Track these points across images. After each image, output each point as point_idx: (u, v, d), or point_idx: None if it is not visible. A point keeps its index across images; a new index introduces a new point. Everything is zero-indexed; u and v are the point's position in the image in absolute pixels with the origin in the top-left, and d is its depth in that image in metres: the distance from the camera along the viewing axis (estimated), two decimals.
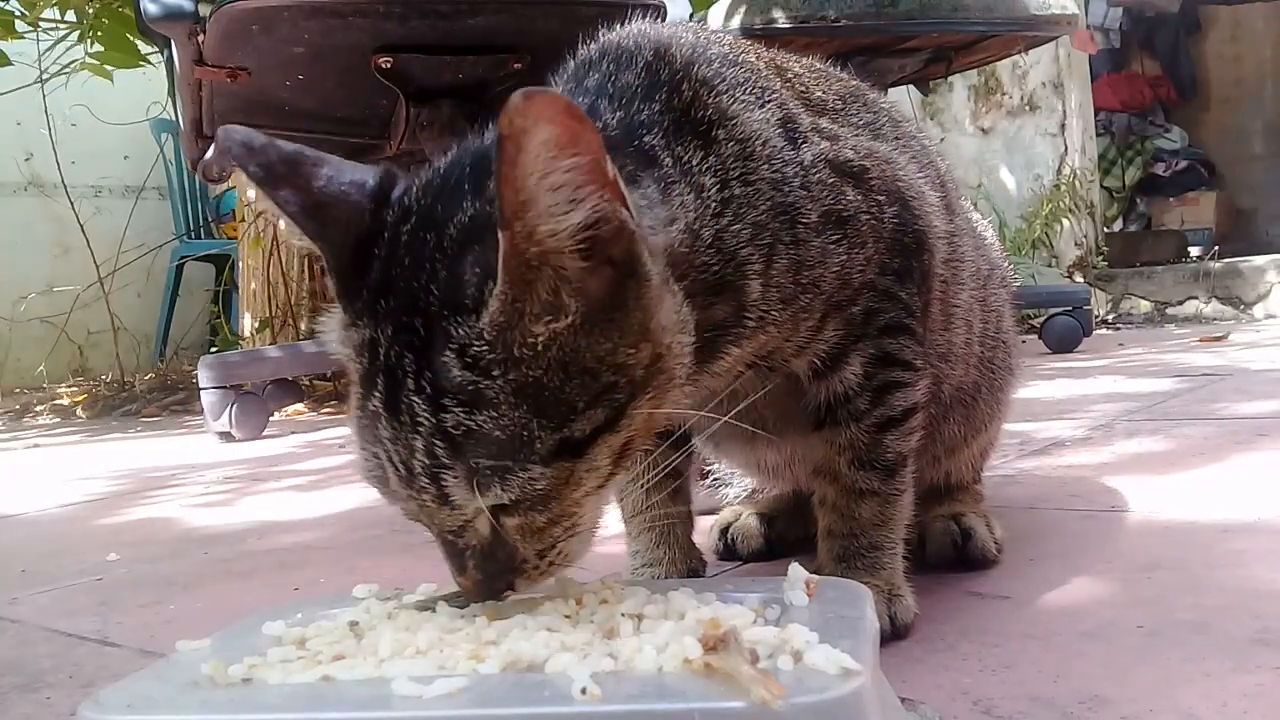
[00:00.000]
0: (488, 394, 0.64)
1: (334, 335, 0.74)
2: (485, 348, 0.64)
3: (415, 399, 0.65)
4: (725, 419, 0.83)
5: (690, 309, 0.74)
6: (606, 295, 0.66)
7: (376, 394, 0.67)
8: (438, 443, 0.65)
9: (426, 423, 0.65)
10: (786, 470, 1.08)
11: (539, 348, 0.64)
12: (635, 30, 0.87)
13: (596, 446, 0.67)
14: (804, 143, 0.86)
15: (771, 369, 0.89)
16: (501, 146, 0.59)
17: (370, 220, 0.71)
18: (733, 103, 0.83)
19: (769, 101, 0.86)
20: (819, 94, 0.95)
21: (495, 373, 0.64)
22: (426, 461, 0.65)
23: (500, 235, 0.62)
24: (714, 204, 0.78)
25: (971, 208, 1.23)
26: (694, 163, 0.79)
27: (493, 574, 0.70)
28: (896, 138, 1.01)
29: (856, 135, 0.94)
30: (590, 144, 0.62)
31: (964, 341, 1.06)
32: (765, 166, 0.82)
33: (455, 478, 0.65)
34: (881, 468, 0.91)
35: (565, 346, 0.65)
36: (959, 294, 1.03)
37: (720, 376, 0.84)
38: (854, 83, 1.05)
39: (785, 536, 1.21)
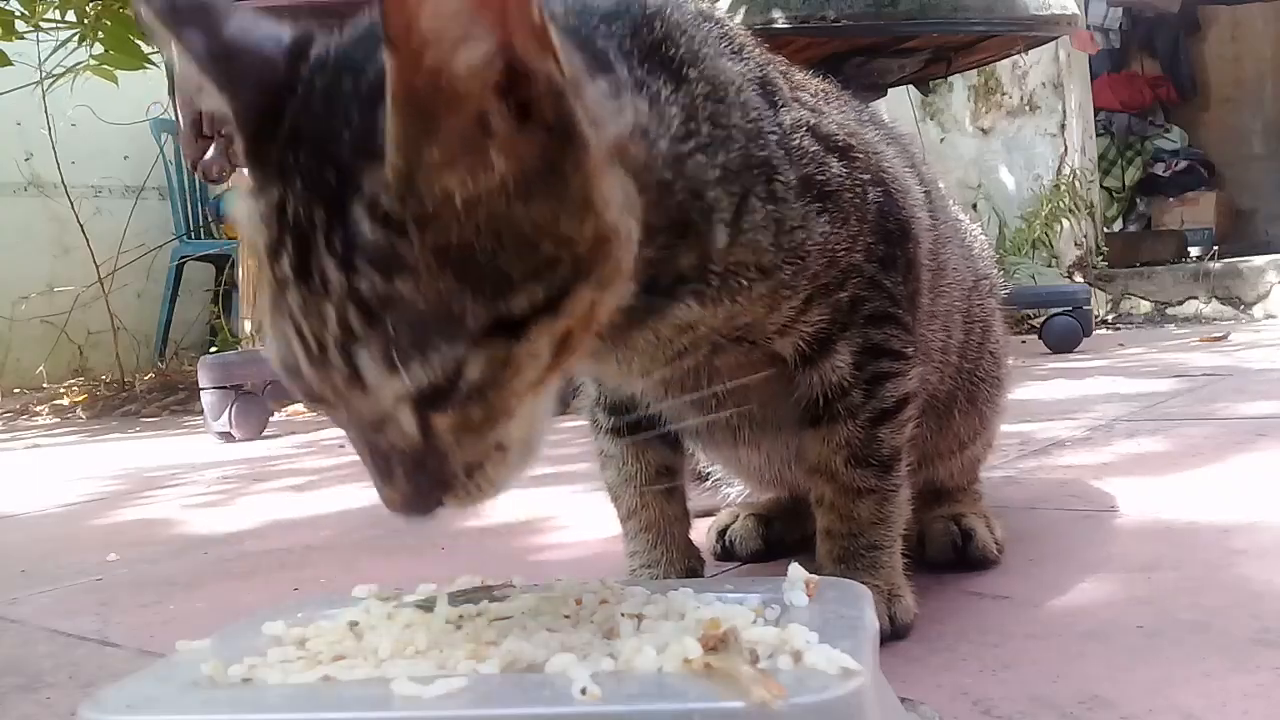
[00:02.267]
0: (405, 256, 0.57)
1: (241, 208, 0.65)
2: (395, 201, 0.57)
3: (326, 259, 0.58)
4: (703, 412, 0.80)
5: (647, 244, 0.70)
6: (542, 159, 0.60)
7: (286, 258, 0.60)
8: (351, 309, 0.57)
9: (338, 286, 0.57)
10: (773, 473, 1.07)
11: (458, 205, 0.57)
12: None
13: (538, 329, 0.61)
14: (783, 106, 0.83)
15: (754, 344, 0.86)
16: None
17: (285, 73, 0.64)
18: (705, 48, 0.79)
19: (747, 59, 0.83)
20: (799, 77, 0.93)
21: (411, 230, 0.57)
22: (337, 332, 0.58)
23: (387, 60, 0.55)
24: (676, 129, 0.74)
25: (962, 215, 1.23)
26: (661, 93, 0.74)
27: (423, 485, 0.62)
28: (879, 135, 1.00)
29: (841, 114, 0.91)
30: None
31: (940, 348, 1.04)
32: (738, 113, 0.78)
33: (369, 352, 0.58)
34: (878, 463, 0.91)
35: (495, 210, 0.58)
36: (940, 298, 1.02)
37: (684, 333, 0.81)
38: (834, 89, 1.03)
39: (783, 538, 1.21)
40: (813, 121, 0.85)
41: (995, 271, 1.25)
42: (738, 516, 1.24)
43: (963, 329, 1.10)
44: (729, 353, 0.87)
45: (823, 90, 0.97)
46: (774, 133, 0.81)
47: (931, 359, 1.02)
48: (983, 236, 1.27)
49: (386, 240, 0.57)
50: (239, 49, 0.65)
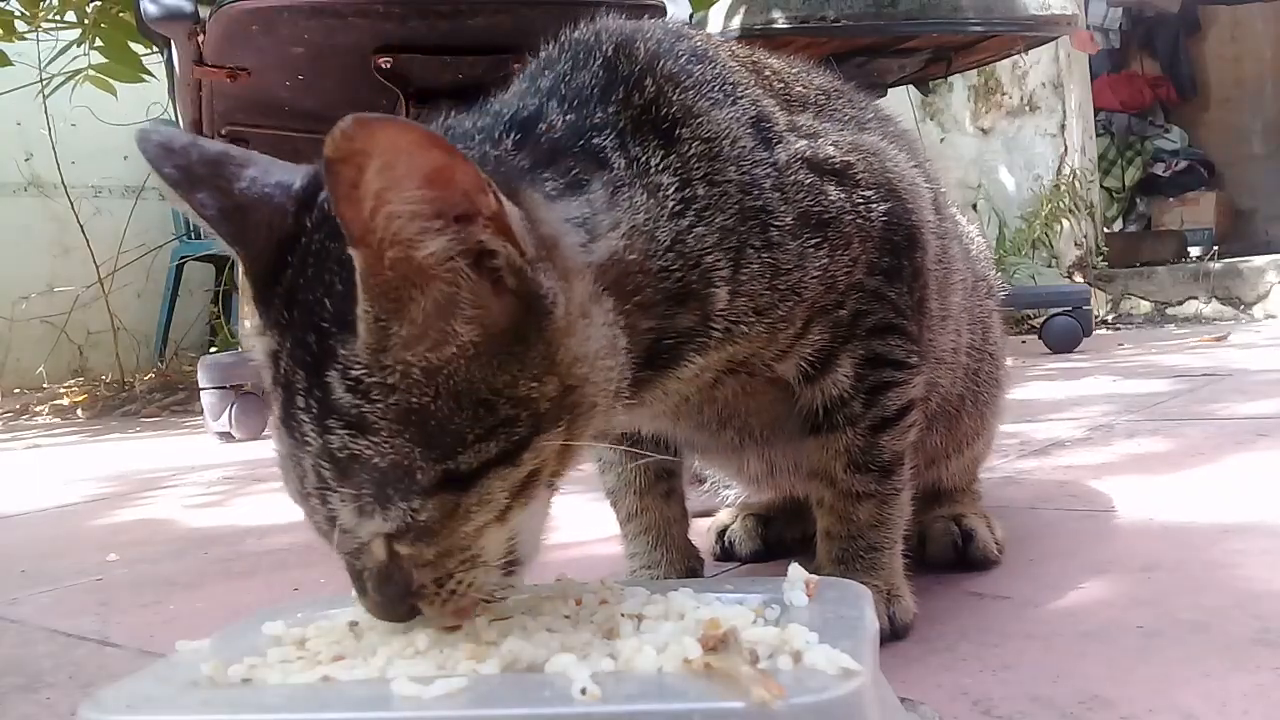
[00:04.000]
0: (370, 418, 0.62)
1: (251, 336, 0.71)
2: (364, 370, 0.62)
3: (304, 418, 0.63)
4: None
5: (644, 317, 0.73)
6: (509, 325, 0.64)
7: (279, 408, 0.66)
8: (324, 465, 0.63)
9: (314, 444, 0.63)
10: (773, 478, 1.07)
11: (417, 374, 0.62)
12: (600, 25, 0.84)
13: (488, 480, 0.64)
14: (778, 143, 0.84)
15: (752, 374, 0.87)
16: (331, 171, 0.55)
17: (292, 223, 0.68)
18: (699, 99, 0.80)
19: (740, 98, 0.83)
20: (799, 89, 0.93)
21: (376, 396, 0.62)
22: (315, 482, 0.64)
23: (353, 255, 0.59)
24: (673, 204, 0.76)
25: (959, 215, 1.23)
26: (652, 163, 0.76)
27: (392, 597, 0.67)
28: (884, 134, 0.99)
29: (840, 130, 0.91)
30: (446, 171, 0.59)
31: (951, 349, 1.04)
32: (733, 168, 0.79)
33: (343, 501, 0.63)
34: (878, 469, 0.90)
35: (456, 375, 0.62)
36: (950, 297, 1.02)
37: (689, 382, 0.82)
38: (837, 81, 1.03)
39: (783, 538, 1.21)
40: (808, 153, 0.85)
41: (992, 273, 1.25)
42: (737, 517, 1.24)
43: (969, 330, 1.10)
44: (728, 384, 0.87)
45: (826, 94, 0.96)
46: (769, 177, 0.81)
47: (944, 361, 1.02)
48: (980, 238, 1.26)
49: (355, 405, 0.62)
50: (250, 203, 0.69)
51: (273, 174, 0.70)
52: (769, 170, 0.81)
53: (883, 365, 0.89)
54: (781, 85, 0.91)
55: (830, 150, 0.87)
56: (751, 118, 0.83)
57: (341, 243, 0.61)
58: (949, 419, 1.11)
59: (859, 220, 0.85)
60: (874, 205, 0.87)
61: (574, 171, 0.73)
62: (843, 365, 0.88)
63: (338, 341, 0.62)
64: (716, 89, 0.82)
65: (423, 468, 0.62)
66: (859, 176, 0.87)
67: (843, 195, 0.85)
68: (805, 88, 0.94)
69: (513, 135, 0.75)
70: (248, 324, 4.41)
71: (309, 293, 0.64)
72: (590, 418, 0.69)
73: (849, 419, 0.89)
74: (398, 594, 0.67)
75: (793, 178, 0.82)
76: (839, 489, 0.91)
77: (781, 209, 0.81)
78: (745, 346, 0.83)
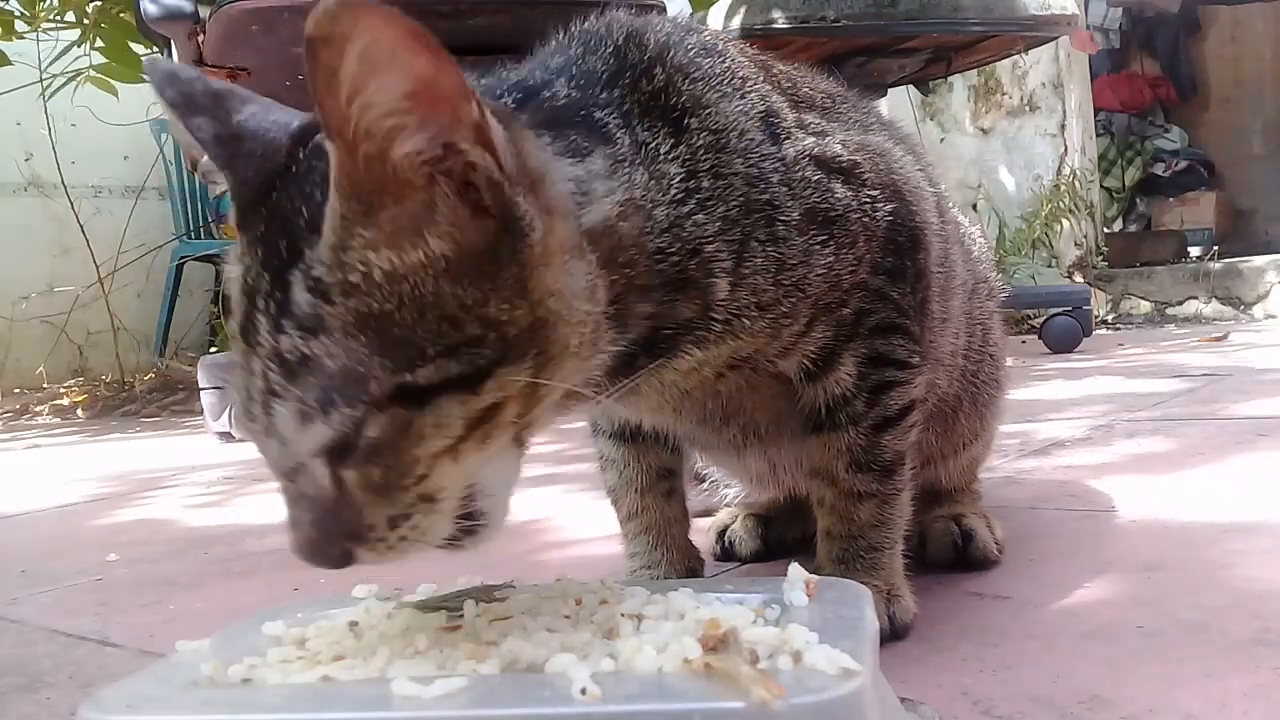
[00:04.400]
0: (326, 320, 0.61)
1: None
2: (325, 269, 0.61)
3: (261, 319, 0.63)
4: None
5: (643, 300, 0.74)
6: (483, 244, 0.63)
7: (237, 319, 0.65)
8: (272, 367, 0.62)
9: (266, 344, 0.62)
10: (775, 476, 1.07)
11: (380, 278, 0.61)
12: (611, 17, 0.84)
13: (446, 402, 0.63)
14: (787, 138, 0.84)
15: (755, 370, 0.87)
16: (311, 53, 0.55)
17: (285, 157, 0.67)
18: (708, 91, 0.80)
19: (749, 93, 0.83)
20: (806, 90, 0.93)
21: (335, 298, 0.61)
22: (261, 386, 0.62)
23: (329, 148, 0.59)
24: (675, 190, 0.76)
25: (961, 217, 1.23)
26: (661, 150, 0.76)
27: (330, 534, 0.65)
28: (888, 138, 1.00)
29: (847, 130, 0.92)
30: (425, 67, 0.58)
31: (950, 351, 1.05)
32: (740, 160, 0.79)
33: (284, 406, 0.62)
34: (879, 469, 0.90)
35: (422, 286, 0.61)
36: (950, 300, 1.02)
37: (688, 375, 0.82)
38: (840, 87, 1.03)
39: (783, 538, 1.21)
40: (816, 150, 0.85)
41: (993, 275, 1.25)
42: (737, 516, 1.24)
43: (967, 332, 1.10)
44: (732, 379, 0.87)
45: (831, 98, 0.96)
46: (776, 171, 0.81)
47: (942, 363, 1.02)
48: (981, 239, 1.27)
49: (313, 305, 0.61)
50: (246, 134, 0.69)
51: (273, 113, 0.71)
52: (777, 165, 0.82)
53: (885, 365, 0.89)
54: (789, 85, 0.92)
55: (838, 149, 0.87)
56: (760, 112, 0.83)
57: (327, 161, 0.61)
58: (944, 420, 1.11)
59: (864, 219, 0.85)
60: (879, 205, 0.87)
61: (574, 139, 0.72)
62: (845, 364, 0.88)
63: (306, 244, 0.62)
64: (725, 82, 0.82)
65: (377, 377, 0.61)
66: (865, 176, 0.87)
67: (850, 194, 0.85)
68: (811, 90, 0.95)
69: (514, 95, 0.75)
70: None
71: (288, 205, 0.64)
72: (560, 364, 0.68)
73: (851, 418, 0.89)
74: (338, 531, 0.64)
75: (800, 174, 0.83)
76: (840, 488, 0.91)
77: (789, 204, 0.81)
78: (747, 342, 0.83)
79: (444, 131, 0.61)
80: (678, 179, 0.76)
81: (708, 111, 0.79)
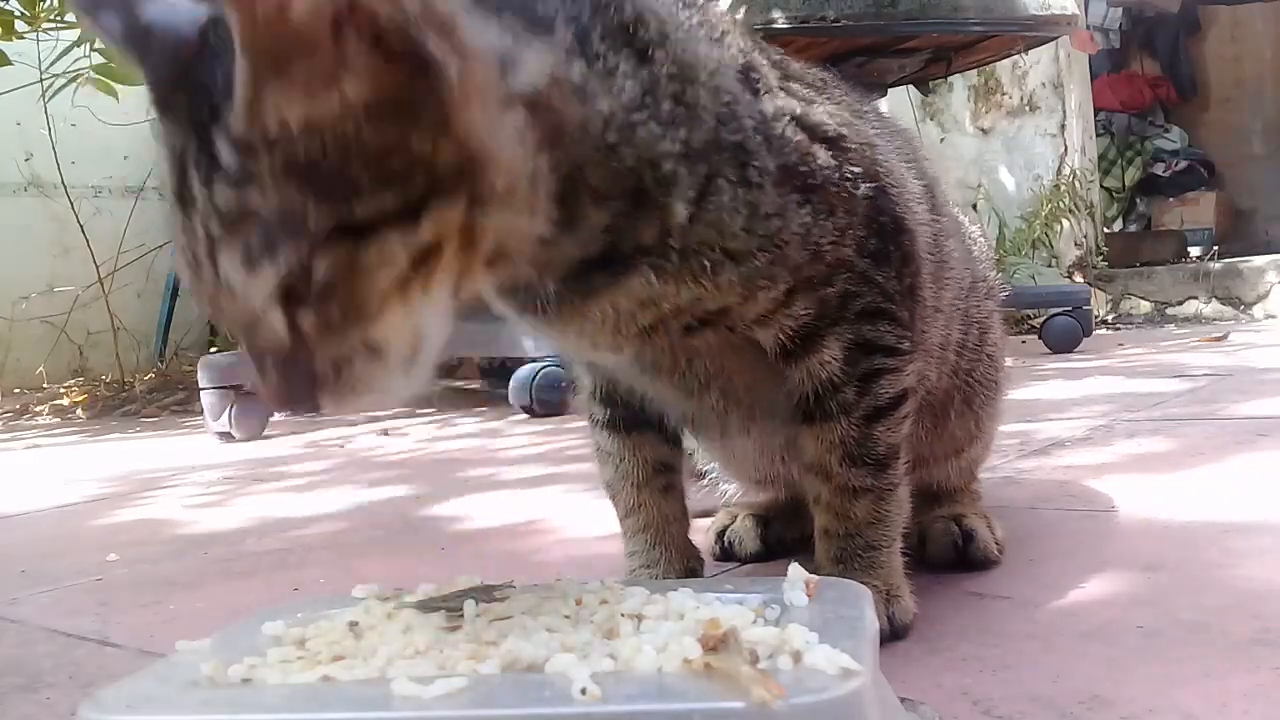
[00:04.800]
0: (254, 171, 0.63)
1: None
2: (245, 126, 0.63)
3: (194, 180, 0.65)
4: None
5: (599, 208, 0.74)
6: (397, 86, 0.64)
7: (171, 187, 0.67)
8: (212, 222, 0.64)
9: (202, 201, 0.64)
10: (765, 466, 1.06)
11: (301, 127, 0.62)
12: None
13: (386, 236, 0.65)
14: (767, 93, 0.83)
15: (733, 330, 0.86)
16: None
17: (198, 40, 0.68)
18: (679, 33, 0.80)
19: (729, 46, 0.83)
20: (795, 68, 0.93)
21: (259, 150, 0.63)
22: (204, 245, 0.65)
23: (226, 7, 0.61)
24: (629, 97, 0.75)
25: (961, 216, 1.23)
26: (620, 66, 0.75)
27: (295, 381, 0.67)
28: (881, 127, 0.99)
29: (836, 107, 0.91)
30: None
31: (940, 343, 1.04)
32: (707, 95, 0.78)
33: (230, 256, 0.64)
34: (873, 462, 0.90)
35: (344, 130, 0.63)
36: (942, 291, 1.01)
37: (645, 307, 0.81)
38: (837, 79, 1.03)
39: (782, 538, 1.21)
40: (799, 111, 0.84)
41: (993, 274, 1.24)
42: (737, 516, 1.24)
43: (961, 329, 1.10)
44: (703, 335, 0.86)
45: (820, 81, 0.96)
46: (751, 119, 0.81)
47: (931, 354, 1.02)
48: (982, 239, 1.26)
49: (238, 160, 0.63)
50: (155, 26, 0.69)
51: (178, 6, 0.70)
52: (753, 113, 0.81)
53: (874, 351, 0.89)
54: (779, 59, 0.91)
55: (823, 117, 0.86)
56: (740, 65, 0.83)
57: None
58: (935, 415, 1.10)
59: (845, 193, 0.85)
60: (860, 183, 0.86)
61: (508, 20, 0.71)
62: (830, 347, 0.87)
63: (224, 106, 0.63)
64: (702, 31, 0.82)
65: (314, 215, 0.63)
66: (850, 151, 0.87)
67: (833, 163, 0.85)
68: (802, 70, 0.94)
69: None
70: None
71: (205, 78, 0.65)
72: (492, 208, 0.68)
73: (843, 406, 0.89)
74: (301, 378, 0.67)
75: (780, 129, 0.82)
76: (835, 483, 0.91)
77: (762, 153, 0.80)
78: (716, 293, 0.81)
79: None
80: (632, 93, 0.75)
81: (675, 48, 0.78)
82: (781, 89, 0.86)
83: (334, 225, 0.63)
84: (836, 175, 0.85)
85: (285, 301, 0.65)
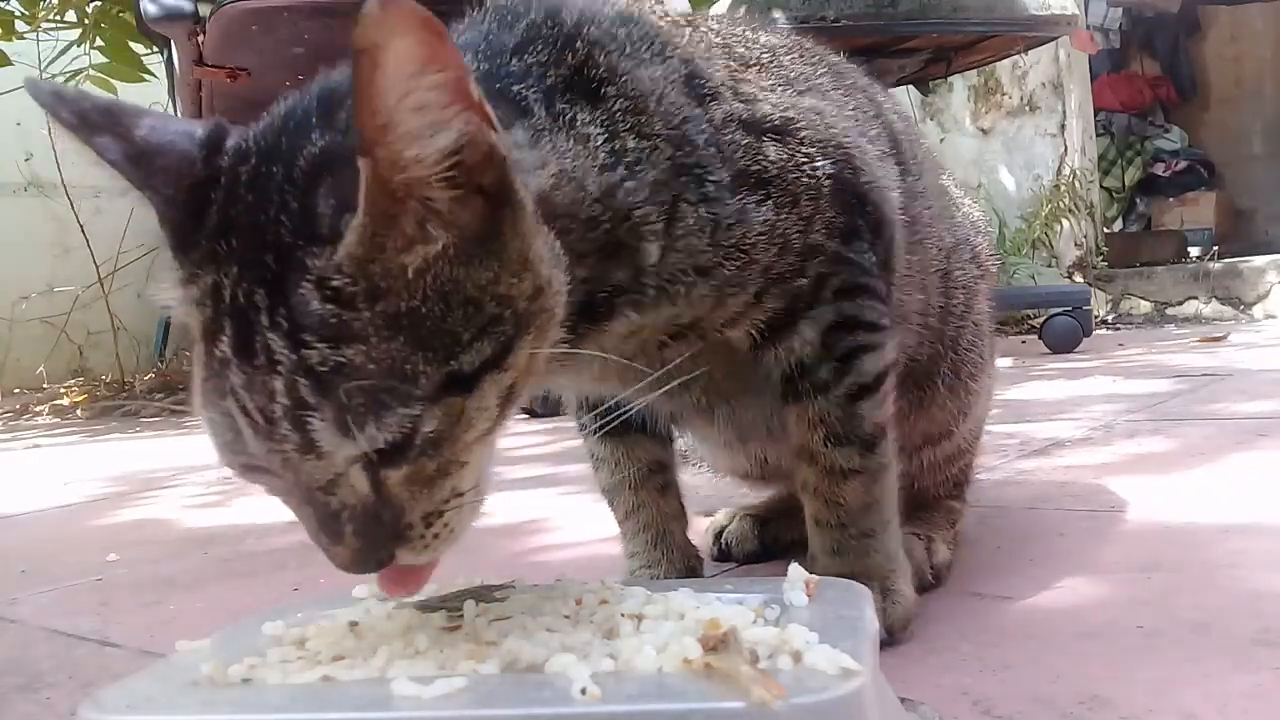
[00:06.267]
0: (355, 326, 0.60)
1: (170, 294, 0.68)
2: (346, 280, 0.60)
3: (271, 336, 0.60)
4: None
5: (578, 266, 0.73)
6: (480, 225, 0.63)
7: (224, 339, 0.62)
8: (301, 381, 0.59)
9: (286, 360, 0.59)
10: (745, 446, 1.04)
11: (408, 277, 0.61)
12: None
13: (485, 383, 0.63)
14: (712, 99, 0.83)
15: (704, 338, 0.86)
16: (357, 63, 0.55)
17: (203, 166, 0.66)
18: (623, 60, 0.79)
19: (669, 58, 0.82)
20: (740, 50, 0.92)
21: (361, 304, 0.60)
22: (288, 403, 0.60)
23: (360, 163, 0.58)
24: (602, 156, 0.75)
25: (949, 182, 1.19)
26: (577, 118, 0.75)
27: (374, 541, 0.64)
28: (837, 89, 0.97)
29: (781, 91, 0.89)
30: (452, 60, 0.59)
31: (920, 310, 1.02)
32: (660, 122, 0.78)
33: (323, 419, 0.59)
34: (859, 441, 0.88)
35: (441, 276, 0.62)
36: (916, 254, 0.99)
37: (628, 340, 0.81)
38: (794, 37, 1.01)
39: (779, 538, 1.20)
40: (744, 114, 0.84)
41: (982, 243, 1.19)
42: (735, 517, 1.23)
43: (943, 293, 1.07)
44: (675, 347, 0.86)
45: (772, 51, 0.94)
46: (702, 133, 0.80)
47: (910, 321, 1.00)
48: (970, 204, 1.22)
49: (335, 314, 0.60)
50: (154, 148, 0.68)
51: (171, 125, 0.69)
52: (703, 126, 0.81)
53: (856, 329, 0.87)
54: (723, 43, 0.91)
55: (767, 109, 0.86)
56: (684, 76, 0.82)
57: (285, 165, 0.62)
58: (920, 389, 1.07)
59: (803, 178, 0.84)
60: (818, 162, 0.85)
61: (496, 112, 0.70)
62: (803, 331, 0.86)
63: (306, 254, 0.60)
64: (644, 49, 0.82)
65: (425, 371, 0.61)
66: (802, 133, 0.86)
67: (784, 154, 0.84)
68: (748, 48, 0.93)
69: None
70: None
71: (254, 218, 0.63)
72: (549, 327, 0.68)
73: (818, 386, 0.87)
74: (383, 536, 0.64)
75: (729, 136, 0.82)
76: (820, 465, 0.89)
77: (716, 165, 0.80)
78: (689, 309, 0.82)
79: (467, 122, 0.61)
80: (600, 141, 0.75)
81: (624, 79, 0.78)
82: (726, 88, 0.85)
83: (445, 380, 0.61)
84: (790, 163, 0.84)
85: (379, 458, 0.62)
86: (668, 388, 0.84)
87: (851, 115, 0.96)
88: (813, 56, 1.00)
